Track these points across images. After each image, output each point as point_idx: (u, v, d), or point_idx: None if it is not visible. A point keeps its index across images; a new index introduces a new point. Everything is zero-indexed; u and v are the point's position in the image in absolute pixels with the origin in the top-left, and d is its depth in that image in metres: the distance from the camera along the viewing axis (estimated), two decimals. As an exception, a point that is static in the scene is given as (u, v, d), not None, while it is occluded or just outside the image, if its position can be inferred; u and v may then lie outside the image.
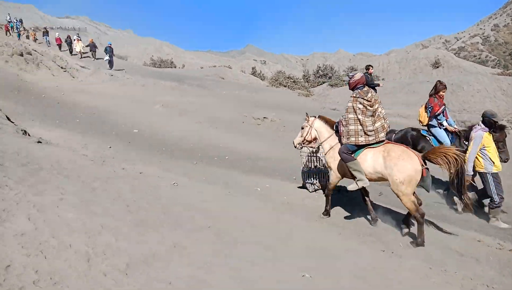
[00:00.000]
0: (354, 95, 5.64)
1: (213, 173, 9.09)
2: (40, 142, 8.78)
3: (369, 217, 6.32)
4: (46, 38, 33.20)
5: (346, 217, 6.35)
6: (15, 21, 36.99)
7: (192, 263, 3.95)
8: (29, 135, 9.87)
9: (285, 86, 29.59)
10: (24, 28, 39.03)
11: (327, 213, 6.27)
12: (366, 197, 6.32)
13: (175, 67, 46.83)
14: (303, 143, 6.72)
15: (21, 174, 6.13)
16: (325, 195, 6.41)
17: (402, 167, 5.23)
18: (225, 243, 4.58)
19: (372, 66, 13.86)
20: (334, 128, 6.22)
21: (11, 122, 11.23)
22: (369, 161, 5.61)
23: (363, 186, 5.77)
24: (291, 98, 22.78)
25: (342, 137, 5.79)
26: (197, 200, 6.19)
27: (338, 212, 6.51)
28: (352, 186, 5.85)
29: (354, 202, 6.64)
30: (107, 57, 25.89)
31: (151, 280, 3.53)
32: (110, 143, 11.93)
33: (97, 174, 6.95)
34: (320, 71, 35.39)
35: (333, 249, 4.87)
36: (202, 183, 7.62)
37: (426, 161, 5.43)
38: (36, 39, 34.07)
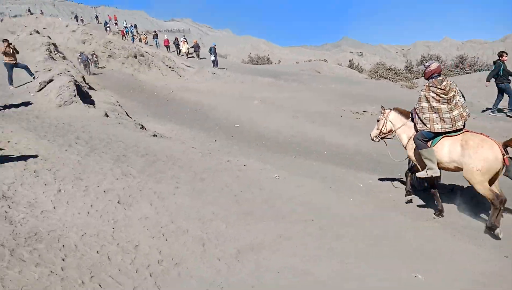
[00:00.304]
0: (427, 84, 5.67)
1: (312, 167, 9.09)
2: (156, 136, 9.69)
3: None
4: (156, 41, 36.29)
5: (461, 218, 5.85)
6: (129, 26, 41.11)
7: (297, 254, 4.04)
8: (145, 129, 10.95)
9: (385, 78, 28.11)
10: (137, 32, 43.21)
11: (439, 213, 5.86)
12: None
13: (271, 63, 47.57)
14: (379, 136, 6.77)
15: (142, 164, 6.86)
16: (432, 193, 6.03)
17: (482, 155, 5.06)
18: (329, 237, 4.58)
19: (506, 53, 12.10)
20: (410, 116, 6.18)
21: (130, 117, 12.57)
22: (445, 150, 5.52)
23: (436, 176, 5.70)
24: (392, 90, 21.58)
25: (416, 124, 5.81)
26: (298, 193, 6.27)
27: (451, 211, 6.01)
28: (421, 173, 5.82)
29: (472, 203, 6.08)
30: (212, 57, 27.21)
31: (260, 268, 3.70)
32: (215, 136, 12.65)
33: (206, 165, 7.44)
34: (424, 61, 32.93)
35: (446, 250, 4.55)
36: (302, 177, 7.66)
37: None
38: (147, 42, 37.49)
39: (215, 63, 26.90)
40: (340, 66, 43.54)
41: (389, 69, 30.11)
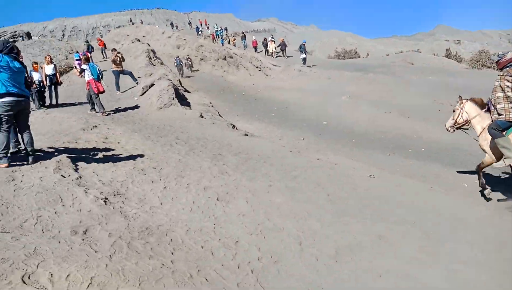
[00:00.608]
0: (502, 74, 5.55)
1: (409, 166, 8.60)
2: (247, 135, 9.97)
3: None
4: (244, 42, 37.34)
5: None
6: (219, 29, 42.90)
7: (399, 257, 3.84)
8: (236, 128, 11.34)
9: (489, 67, 25.53)
10: (226, 34, 44.93)
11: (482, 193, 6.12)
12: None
13: (359, 57, 46.06)
14: (454, 126, 6.81)
15: (236, 162, 7.12)
16: (477, 175, 6.30)
17: None
18: (433, 241, 4.28)
19: None
20: (486, 106, 6.22)
21: (221, 117, 13.12)
22: None
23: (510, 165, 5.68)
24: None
25: (492, 114, 5.81)
26: (396, 193, 5.97)
27: None
28: (499, 163, 5.87)
29: None
30: (303, 55, 27.09)
31: (359, 270, 3.59)
32: (302, 134, 12.62)
33: (296, 163, 7.46)
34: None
35: None
36: (398, 176, 7.30)
37: None
38: (235, 44, 38.73)
39: (304, 60, 26.75)
40: (436, 56, 40.59)
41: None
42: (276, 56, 31.86)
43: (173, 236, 3.96)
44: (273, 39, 32.93)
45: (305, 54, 27.00)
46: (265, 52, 32.81)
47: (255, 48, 34.62)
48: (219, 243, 3.94)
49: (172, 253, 3.58)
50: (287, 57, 31.79)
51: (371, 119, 14.68)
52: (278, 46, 32.16)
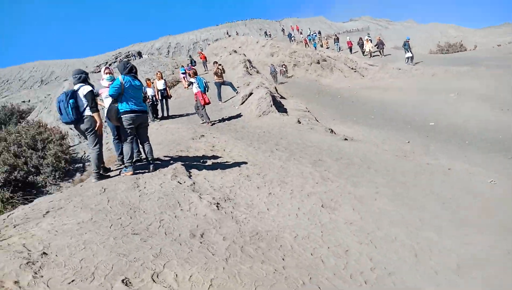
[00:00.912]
0: None
1: (537, 170, 7.59)
2: (346, 139, 9.73)
3: None
4: (337, 44, 36.66)
5: None
6: (312, 33, 42.74)
7: (537, 275, 3.39)
8: (335, 133, 11.14)
9: None
10: (319, 38, 44.66)
11: None
12: None
13: (465, 50, 42.01)
14: None
15: (337, 168, 6.98)
16: None
17: None
18: None
19: None
20: None
21: (318, 122, 13.00)
22: None
23: None
24: None
25: None
26: (525, 201, 5.30)
27: None
28: None
29: None
30: (409, 53, 25.23)
31: (488, 287, 3.25)
32: (407, 137, 11.91)
33: (403, 168, 7.06)
34: None
35: None
36: (526, 181, 6.46)
37: None
38: (328, 47, 38.22)
39: (410, 59, 24.95)
40: None
41: None
42: (373, 56, 30.58)
43: (282, 242, 4.01)
44: (369, 38, 31.62)
45: (411, 52, 25.09)
46: (362, 52, 31.64)
47: (350, 48, 33.69)
48: (328, 251, 3.89)
49: (283, 259, 3.62)
50: (385, 55, 30.31)
51: (485, 117, 13.30)
52: (375, 46, 30.78)
